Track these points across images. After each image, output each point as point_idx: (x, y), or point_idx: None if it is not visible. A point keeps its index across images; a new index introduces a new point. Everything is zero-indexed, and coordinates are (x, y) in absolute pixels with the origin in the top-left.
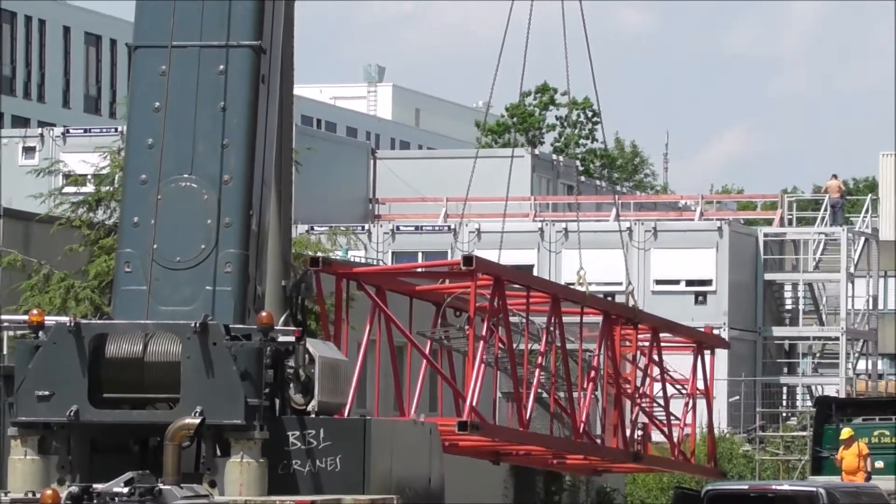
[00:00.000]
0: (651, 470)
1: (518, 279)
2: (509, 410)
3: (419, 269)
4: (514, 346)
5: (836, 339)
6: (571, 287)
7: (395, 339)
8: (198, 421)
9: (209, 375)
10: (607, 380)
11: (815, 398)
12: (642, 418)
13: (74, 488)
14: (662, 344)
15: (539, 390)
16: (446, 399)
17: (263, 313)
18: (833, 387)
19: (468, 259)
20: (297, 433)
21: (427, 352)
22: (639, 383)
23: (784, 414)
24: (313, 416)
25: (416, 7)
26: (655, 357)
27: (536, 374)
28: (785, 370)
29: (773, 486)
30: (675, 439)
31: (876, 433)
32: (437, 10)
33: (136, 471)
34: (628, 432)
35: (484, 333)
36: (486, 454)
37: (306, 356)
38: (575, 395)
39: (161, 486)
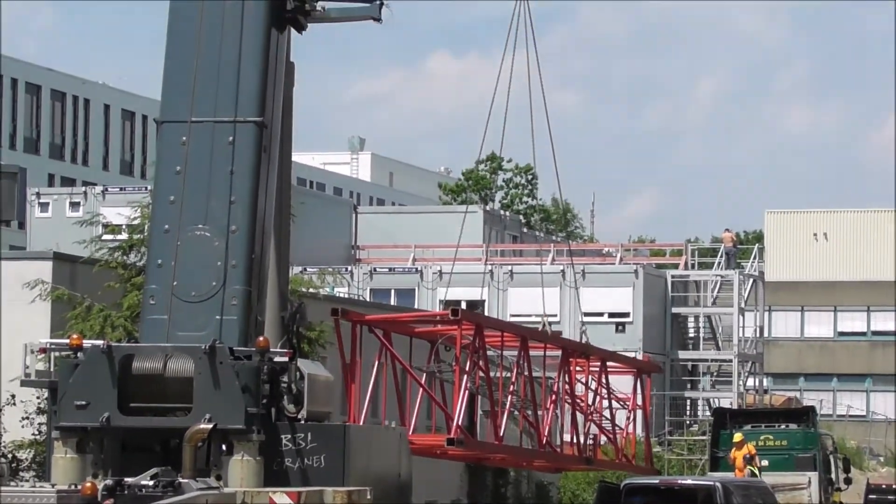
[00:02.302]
0: (600, 469)
1: (494, 325)
2: (488, 426)
3: (416, 318)
4: (492, 375)
5: (730, 361)
6: (535, 329)
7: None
8: (210, 426)
9: (216, 388)
10: (565, 400)
11: (713, 409)
12: (594, 430)
13: (109, 481)
14: (610, 369)
15: (511, 409)
16: (438, 418)
17: (261, 338)
18: (727, 400)
19: (455, 311)
20: (289, 436)
21: (423, 381)
22: (590, 401)
23: (687, 422)
24: (303, 422)
25: (391, 89)
26: (604, 381)
27: (509, 397)
28: (688, 386)
29: (679, 481)
30: (619, 445)
31: (762, 437)
32: (409, 91)
33: (159, 467)
34: (582, 441)
35: (467, 368)
36: (471, 460)
37: (298, 373)
38: (539, 413)
39: (180, 479)
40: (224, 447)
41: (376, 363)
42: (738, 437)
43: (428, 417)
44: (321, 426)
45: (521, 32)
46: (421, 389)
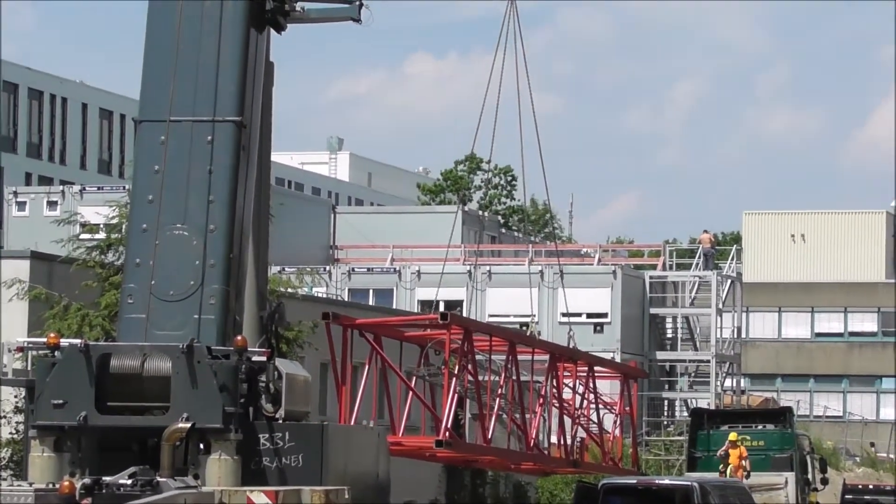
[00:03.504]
0: (587, 472)
1: (482, 329)
2: (477, 428)
3: (406, 322)
4: (480, 379)
5: (708, 361)
6: (522, 332)
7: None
8: (188, 425)
9: (194, 387)
10: (552, 404)
11: (691, 409)
12: (581, 433)
13: (87, 480)
14: (597, 374)
15: (500, 412)
16: (428, 420)
17: (239, 337)
18: (705, 400)
19: (444, 315)
20: (267, 435)
21: (412, 384)
22: (578, 405)
23: (665, 422)
24: (280, 421)
25: (370, 89)
26: (591, 385)
27: (497, 400)
28: (666, 387)
29: (657, 481)
30: (606, 448)
31: (739, 438)
32: (388, 92)
33: (137, 466)
34: (569, 444)
35: (456, 371)
36: (459, 462)
37: (276, 372)
38: (527, 416)
39: (158, 478)
40: (202, 446)
41: (367, 366)
42: (733, 436)
43: (417, 420)
44: (299, 426)
45: (507, 35)
46: (410, 392)
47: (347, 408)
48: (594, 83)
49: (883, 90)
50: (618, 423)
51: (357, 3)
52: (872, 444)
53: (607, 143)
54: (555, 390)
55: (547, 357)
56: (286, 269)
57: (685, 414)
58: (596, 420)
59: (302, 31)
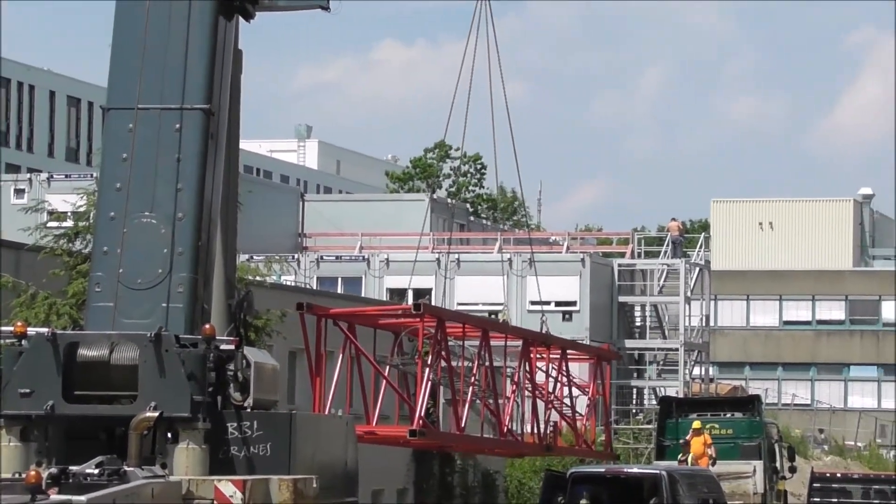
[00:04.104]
0: (561, 456)
1: (455, 318)
2: (451, 415)
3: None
4: (454, 365)
5: (676, 349)
6: (496, 321)
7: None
8: (156, 414)
9: (162, 376)
10: (525, 388)
11: (659, 398)
12: (555, 417)
13: (53, 470)
14: (570, 357)
15: (473, 399)
16: (402, 408)
17: (207, 326)
18: (673, 388)
19: (417, 306)
20: (235, 424)
21: (387, 373)
22: (551, 389)
23: (634, 410)
24: (249, 410)
25: (338, 77)
26: (564, 369)
27: (471, 388)
28: (635, 375)
29: (625, 469)
30: (579, 431)
31: (708, 426)
32: (356, 80)
33: (104, 455)
34: (542, 429)
35: (429, 361)
36: (434, 447)
37: (244, 361)
38: (501, 402)
39: (126, 468)
40: (169, 435)
41: (341, 356)
42: (696, 424)
43: (389, 408)
44: (267, 414)
45: (478, 22)
46: (384, 381)
47: (321, 397)
48: (561, 71)
49: (849, 77)
50: (591, 406)
51: None
52: (821, 431)
53: (574, 131)
54: (528, 375)
55: (520, 343)
56: (255, 257)
57: (654, 402)
58: (569, 403)
59: (270, 19)
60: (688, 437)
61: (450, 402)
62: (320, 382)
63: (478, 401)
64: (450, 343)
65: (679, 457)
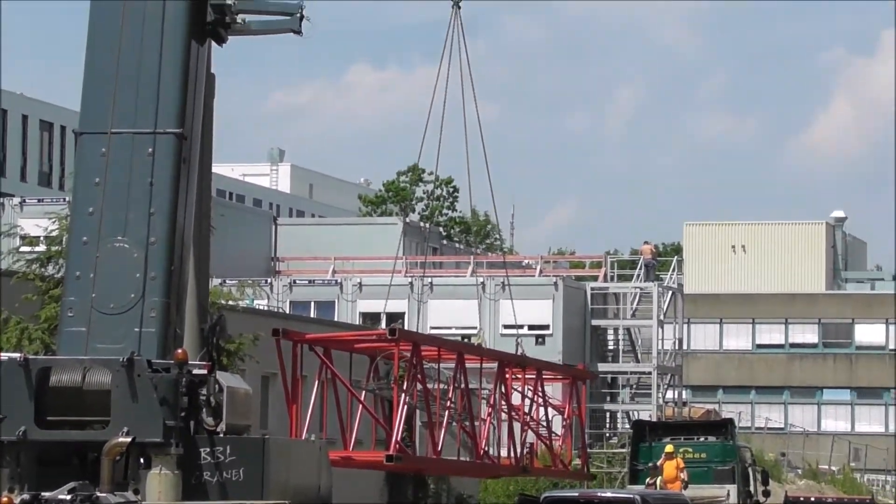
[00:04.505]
0: (537, 476)
1: (430, 342)
2: (427, 438)
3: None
4: (430, 387)
5: (649, 373)
6: (471, 343)
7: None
8: (129, 440)
9: (134, 401)
10: (501, 410)
11: (633, 421)
12: (531, 438)
13: (26, 496)
14: (545, 377)
15: (449, 422)
16: (379, 432)
17: (179, 350)
18: (647, 412)
19: (392, 331)
20: (208, 449)
21: (363, 398)
22: (527, 410)
23: (607, 434)
24: (221, 435)
25: (310, 100)
26: (540, 390)
27: (447, 411)
28: (608, 398)
29: (599, 494)
30: (556, 452)
31: (681, 450)
32: (329, 103)
33: (77, 481)
34: (518, 450)
35: (405, 387)
36: (411, 470)
37: (217, 386)
38: (476, 423)
39: (98, 494)
40: (142, 460)
41: (316, 381)
42: (669, 448)
43: (364, 432)
44: (240, 439)
45: (451, 43)
46: (361, 406)
47: (298, 422)
48: (531, 91)
49: (821, 99)
50: (566, 426)
51: (298, 15)
52: (783, 455)
53: (545, 152)
54: (503, 398)
55: (495, 365)
56: (227, 281)
57: (627, 426)
58: (545, 424)
59: (243, 42)
60: (660, 462)
61: (426, 426)
62: (296, 408)
63: (454, 424)
64: (425, 366)
65: (647, 480)
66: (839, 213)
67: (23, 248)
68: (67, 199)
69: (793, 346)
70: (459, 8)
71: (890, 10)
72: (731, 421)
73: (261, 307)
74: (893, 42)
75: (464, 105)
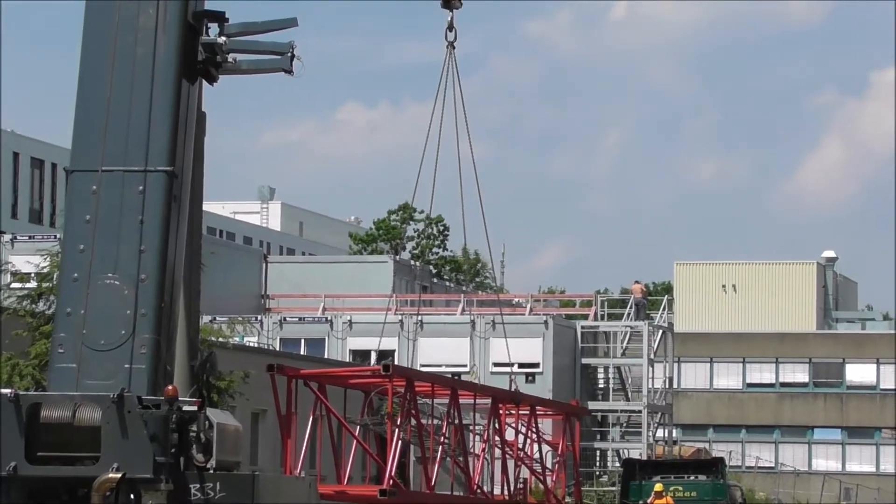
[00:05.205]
0: None
1: (424, 378)
2: (421, 474)
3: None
4: (423, 422)
5: (640, 411)
6: (465, 381)
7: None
8: (119, 476)
9: (124, 437)
10: (495, 446)
11: (623, 460)
12: (525, 473)
13: None
14: (539, 413)
15: (443, 457)
16: (373, 468)
17: (170, 387)
18: (637, 450)
19: (386, 367)
20: (198, 485)
21: (357, 433)
22: (521, 446)
23: (597, 472)
24: (211, 471)
25: (301, 138)
26: (534, 426)
27: (440, 446)
28: (598, 437)
29: None
30: (549, 487)
31: (671, 488)
32: (319, 141)
33: None
34: (512, 485)
35: (399, 421)
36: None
37: (207, 422)
38: (470, 459)
39: None
40: (132, 497)
41: (311, 416)
42: (658, 486)
43: (363, 468)
44: (230, 475)
45: (445, 83)
46: (355, 441)
47: (293, 459)
48: (522, 131)
49: (812, 140)
50: (559, 462)
51: (289, 54)
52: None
53: (535, 191)
54: (497, 434)
55: (489, 401)
56: (217, 318)
57: (617, 464)
58: (539, 459)
59: (234, 81)
60: (650, 500)
61: (420, 461)
62: (291, 444)
63: (448, 459)
64: (419, 402)
65: None
66: (830, 253)
67: (14, 285)
68: (58, 235)
69: (783, 385)
70: (454, 48)
71: (879, 52)
72: (721, 460)
73: (251, 344)
74: (888, 82)
75: (458, 143)
